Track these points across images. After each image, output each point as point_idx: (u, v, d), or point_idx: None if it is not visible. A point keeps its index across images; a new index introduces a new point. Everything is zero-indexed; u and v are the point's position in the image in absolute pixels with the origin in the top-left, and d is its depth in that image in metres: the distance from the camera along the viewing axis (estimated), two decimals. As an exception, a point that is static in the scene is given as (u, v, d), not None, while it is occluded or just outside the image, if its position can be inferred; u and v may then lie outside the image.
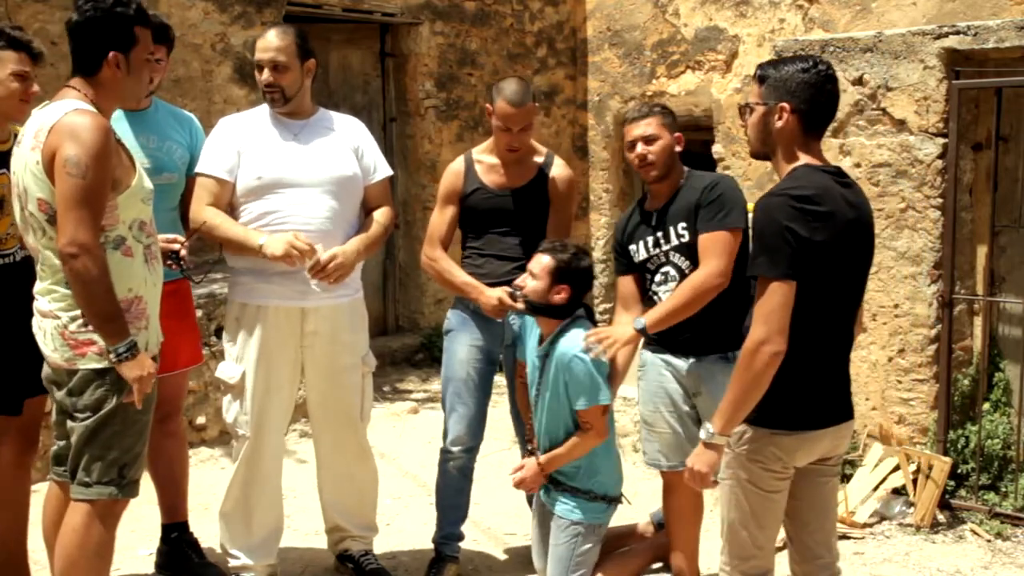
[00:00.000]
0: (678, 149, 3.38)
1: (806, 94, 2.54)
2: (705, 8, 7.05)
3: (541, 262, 3.26)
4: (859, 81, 4.63)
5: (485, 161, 3.72)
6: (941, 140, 4.41)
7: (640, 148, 3.35)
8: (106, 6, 2.73)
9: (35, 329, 2.83)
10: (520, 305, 3.33)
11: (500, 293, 3.47)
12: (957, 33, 4.38)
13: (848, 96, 4.67)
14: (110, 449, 2.77)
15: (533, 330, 3.39)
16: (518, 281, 3.33)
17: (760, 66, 2.66)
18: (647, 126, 3.35)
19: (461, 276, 3.63)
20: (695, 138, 7.38)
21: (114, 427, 2.77)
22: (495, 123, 3.59)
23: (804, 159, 2.57)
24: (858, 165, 4.67)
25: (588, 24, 7.82)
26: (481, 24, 7.39)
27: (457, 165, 3.77)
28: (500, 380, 3.86)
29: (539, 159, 3.73)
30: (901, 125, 4.52)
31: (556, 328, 3.27)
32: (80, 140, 2.61)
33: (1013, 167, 4.63)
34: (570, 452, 3.27)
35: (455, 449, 3.71)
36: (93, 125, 2.64)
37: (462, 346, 3.68)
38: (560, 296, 3.24)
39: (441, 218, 3.74)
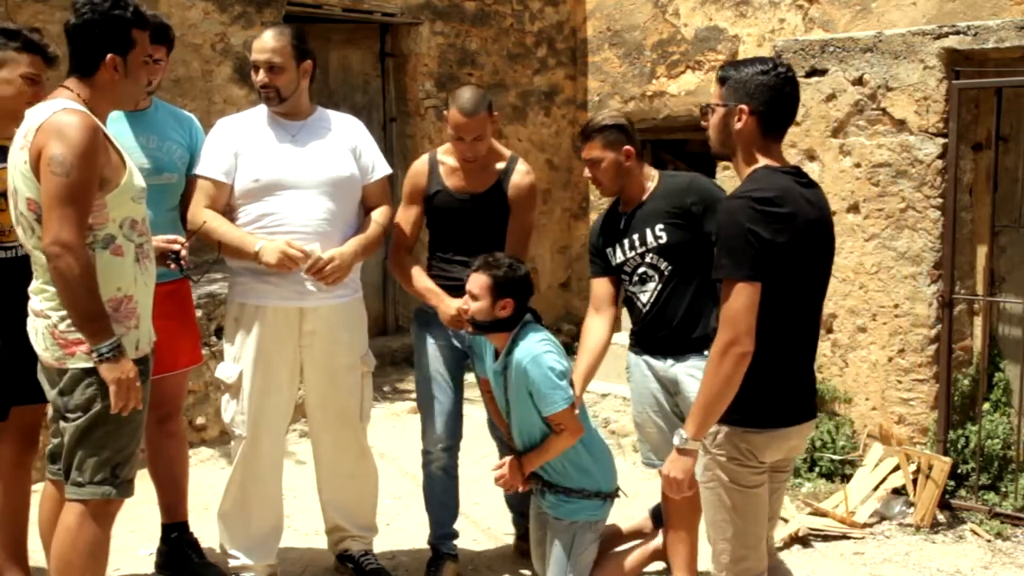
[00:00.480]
0: (628, 164, 3.38)
1: (765, 96, 2.55)
2: (705, 8, 7.05)
3: (479, 282, 3.25)
4: (859, 81, 4.63)
5: (448, 163, 3.67)
6: (941, 140, 4.41)
7: (587, 172, 3.45)
8: (103, 8, 2.73)
9: (29, 328, 2.84)
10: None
11: (460, 305, 3.43)
12: (957, 33, 4.38)
13: (848, 96, 4.67)
14: (102, 448, 2.77)
15: (488, 346, 3.41)
16: (461, 304, 3.34)
17: (721, 67, 2.67)
18: (589, 150, 3.40)
19: (422, 281, 3.61)
20: (695, 138, 7.38)
21: (106, 427, 2.76)
22: (449, 131, 3.57)
23: (763, 161, 2.59)
24: (858, 165, 4.67)
25: (588, 24, 7.82)
26: (481, 24, 7.39)
27: (420, 164, 3.73)
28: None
29: (501, 165, 3.69)
30: (901, 125, 4.52)
31: (508, 340, 3.28)
32: (65, 139, 2.61)
33: (1013, 167, 4.63)
34: (548, 452, 3.28)
35: (435, 449, 3.70)
36: (79, 124, 2.64)
37: (430, 346, 3.68)
38: (505, 311, 3.25)
39: (405, 218, 3.70)
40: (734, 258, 2.44)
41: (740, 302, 2.42)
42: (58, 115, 2.65)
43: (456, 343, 3.68)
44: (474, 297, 3.26)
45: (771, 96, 2.55)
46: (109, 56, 2.74)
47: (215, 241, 3.35)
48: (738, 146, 2.60)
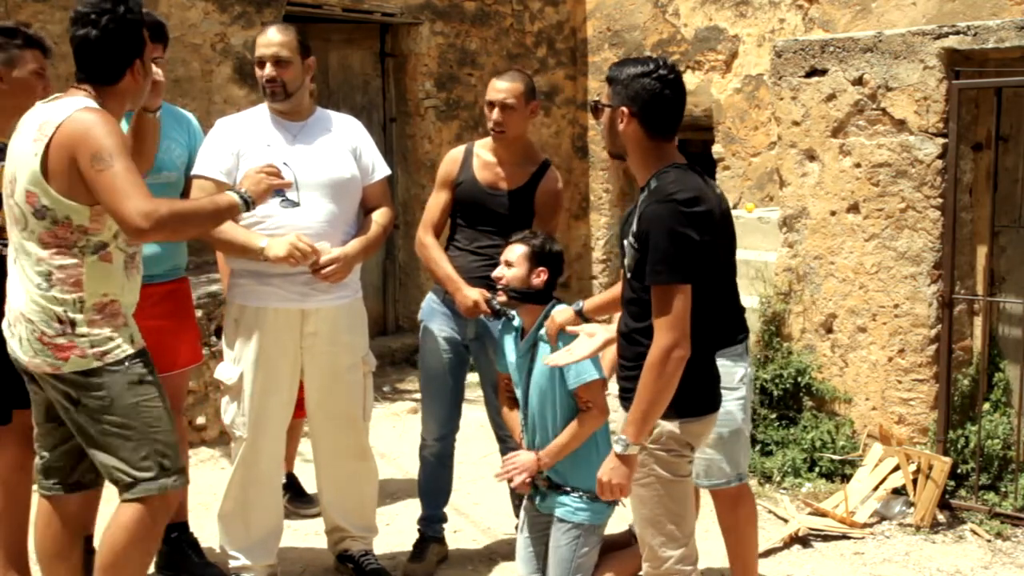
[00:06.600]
0: None
1: (645, 100, 2.55)
2: (705, 8, 7.05)
3: (516, 251, 3.28)
4: (859, 81, 4.63)
5: (483, 157, 3.74)
6: (941, 140, 4.41)
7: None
8: (119, 15, 2.70)
9: (7, 337, 2.81)
10: (496, 304, 3.35)
11: (477, 296, 3.51)
12: (957, 33, 4.38)
13: (848, 96, 4.67)
14: (141, 442, 2.74)
15: (509, 337, 3.40)
16: (496, 274, 3.33)
17: (611, 66, 2.68)
18: None
19: (445, 269, 3.66)
20: (695, 138, 7.39)
21: (130, 419, 2.74)
22: (486, 106, 3.65)
23: (664, 160, 2.60)
24: (858, 165, 4.67)
25: (588, 24, 7.83)
26: (481, 24, 7.39)
27: (456, 152, 3.81)
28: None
29: (533, 168, 3.75)
30: (901, 125, 4.52)
31: (539, 316, 3.28)
32: (95, 136, 2.60)
33: (1013, 167, 4.63)
34: (574, 438, 3.24)
35: (427, 438, 3.83)
36: (101, 120, 2.64)
37: (432, 337, 3.75)
38: (540, 279, 3.26)
39: (436, 202, 3.80)
40: (670, 264, 2.47)
41: (680, 306, 2.47)
42: (79, 114, 2.63)
43: (458, 337, 3.72)
44: (509, 265, 3.28)
45: (650, 100, 2.55)
46: (136, 61, 2.75)
47: (217, 240, 3.35)
48: (628, 147, 2.62)
